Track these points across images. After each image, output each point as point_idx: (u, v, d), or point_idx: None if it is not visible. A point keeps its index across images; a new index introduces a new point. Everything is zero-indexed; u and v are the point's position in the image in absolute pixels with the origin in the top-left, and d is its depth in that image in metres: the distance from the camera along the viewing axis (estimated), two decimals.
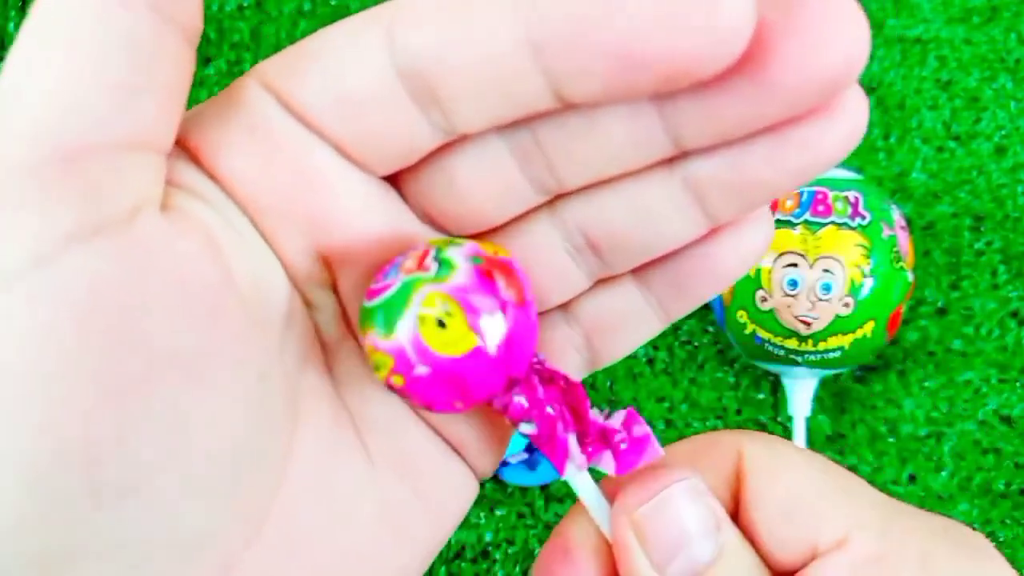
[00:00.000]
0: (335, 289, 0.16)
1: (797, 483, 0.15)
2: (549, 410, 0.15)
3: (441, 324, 0.14)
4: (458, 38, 0.13)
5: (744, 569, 0.15)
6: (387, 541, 0.16)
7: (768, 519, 0.15)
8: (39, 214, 0.11)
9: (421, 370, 0.14)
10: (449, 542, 0.38)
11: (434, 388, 0.14)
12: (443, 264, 0.14)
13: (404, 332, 0.14)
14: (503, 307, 0.14)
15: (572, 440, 0.15)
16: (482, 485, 0.39)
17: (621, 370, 0.40)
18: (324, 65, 0.14)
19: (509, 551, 0.38)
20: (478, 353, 0.14)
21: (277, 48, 0.44)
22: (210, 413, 0.13)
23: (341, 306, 0.16)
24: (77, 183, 0.12)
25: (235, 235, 0.14)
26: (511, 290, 0.14)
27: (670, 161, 0.15)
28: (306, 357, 0.15)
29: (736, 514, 0.16)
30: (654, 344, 0.41)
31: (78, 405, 0.12)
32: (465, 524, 0.39)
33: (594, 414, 0.16)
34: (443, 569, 0.38)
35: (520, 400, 0.15)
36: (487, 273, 0.14)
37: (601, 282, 0.17)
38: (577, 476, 0.15)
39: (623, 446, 0.15)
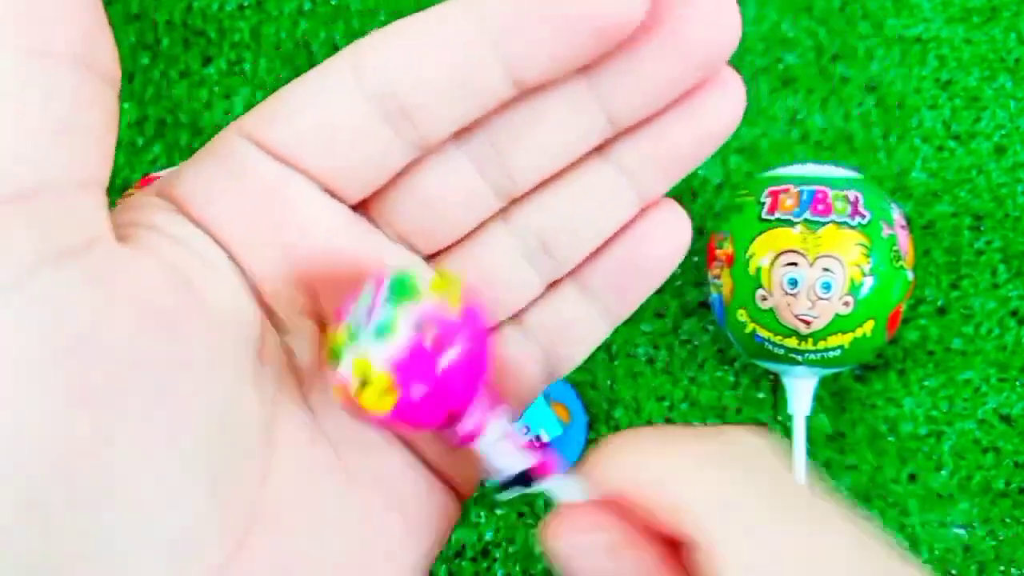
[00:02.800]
0: (316, 316, 0.16)
1: None
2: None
3: (364, 384, 0.15)
4: (425, 51, 0.15)
5: None
6: (371, 561, 0.16)
7: None
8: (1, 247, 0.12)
9: (355, 405, 0.15)
10: (449, 540, 0.38)
11: (371, 422, 0.15)
12: (383, 327, 0.15)
13: (342, 371, 0.15)
14: (432, 373, 0.15)
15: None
16: (482, 484, 0.39)
17: (621, 370, 0.40)
18: (296, 104, 0.15)
19: (509, 550, 0.38)
20: (400, 407, 0.15)
21: (277, 47, 0.44)
22: (181, 419, 0.13)
23: (322, 332, 0.16)
24: (31, 219, 0.12)
25: (207, 270, 0.15)
26: (450, 351, 0.15)
27: (603, 150, 0.17)
28: (282, 385, 0.16)
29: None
30: (654, 343, 0.41)
31: (53, 410, 0.12)
32: (465, 523, 0.39)
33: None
34: (443, 568, 0.38)
35: (468, 423, 0.16)
36: (424, 345, 0.15)
37: (550, 288, 0.18)
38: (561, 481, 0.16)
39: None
